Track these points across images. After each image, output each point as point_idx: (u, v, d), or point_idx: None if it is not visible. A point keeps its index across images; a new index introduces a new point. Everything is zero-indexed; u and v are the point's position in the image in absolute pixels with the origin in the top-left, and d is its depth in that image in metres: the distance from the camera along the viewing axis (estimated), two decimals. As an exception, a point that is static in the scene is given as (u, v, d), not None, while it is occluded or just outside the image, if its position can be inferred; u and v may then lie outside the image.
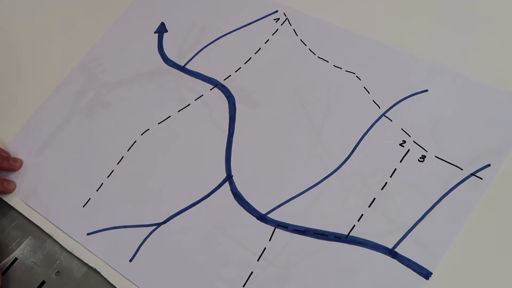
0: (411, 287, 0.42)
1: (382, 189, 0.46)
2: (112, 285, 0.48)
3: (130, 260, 0.48)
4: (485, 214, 0.43)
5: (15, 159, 0.56)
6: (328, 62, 0.53)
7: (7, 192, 0.54)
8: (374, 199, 0.46)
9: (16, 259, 0.52)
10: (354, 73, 0.52)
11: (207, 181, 0.50)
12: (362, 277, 0.43)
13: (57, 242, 0.51)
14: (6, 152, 0.56)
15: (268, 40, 0.57)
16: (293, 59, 0.55)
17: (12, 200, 0.54)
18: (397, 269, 0.42)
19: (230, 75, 0.56)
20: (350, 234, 0.45)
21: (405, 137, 0.47)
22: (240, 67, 0.56)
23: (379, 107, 0.50)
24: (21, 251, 0.52)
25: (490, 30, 0.51)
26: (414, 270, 0.42)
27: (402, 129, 0.48)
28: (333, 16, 0.55)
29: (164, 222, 0.49)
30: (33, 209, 0.53)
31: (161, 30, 0.61)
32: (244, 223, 0.47)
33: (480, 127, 0.46)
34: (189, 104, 0.55)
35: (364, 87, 0.51)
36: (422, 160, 0.46)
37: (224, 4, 0.60)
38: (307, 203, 0.47)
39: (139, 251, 0.48)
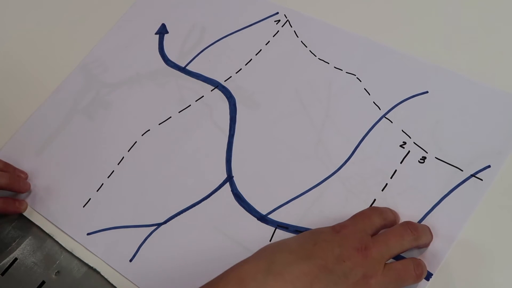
0: (411, 288, 0.42)
1: (382, 190, 0.46)
2: (112, 285, 0.48)
3: (130, 260, 0.48)
4: (485, 215, 0.43)
5: (25, 183, 0.54)
6: (328, 63, 0.54)
7: (20, 211, 0.53)
8: (375, 200, 0.46)
9: (16, 259, 0.51)
10: (355, 75, 0.52)
11: (207, 181, 0.50)
12: (362, 277, 0.43)
13: (57, 242, 0.51)
14: (24, 173, 0.55)
15: (269, 41, 0.57)
16: (293, 61, 0.55)
17: (12, 200, 0.54)
18: (398, 270, 0.42)
19: (230, 76, 0.56)
20: (350, 235, 0.45)
21: (406, 139, 0.48)
22: (240, 69, 0.56)
23: (380, 109, 0.50)
24: (21, 251, 0.52)
25: (490, 31, 0.51)
26: (415, 271, 0.42)
27: (402, 130, 0.48)
28: (334, 17, 0.56)
29: (164, 222, 0.49)
30: (33, 209, 0.53)
31: (162, 31, 0.61)
32: (245, 223, 0.47)
33: (480, 128, 0.46)
34: (190, 105, 0.55)
35: (364, 89, 0.51)
36: (422, 161, 0.46)
37: (225, 6, 0.61)
38: (307, 204, 0.47)
39: (139, 251, 0.48)
